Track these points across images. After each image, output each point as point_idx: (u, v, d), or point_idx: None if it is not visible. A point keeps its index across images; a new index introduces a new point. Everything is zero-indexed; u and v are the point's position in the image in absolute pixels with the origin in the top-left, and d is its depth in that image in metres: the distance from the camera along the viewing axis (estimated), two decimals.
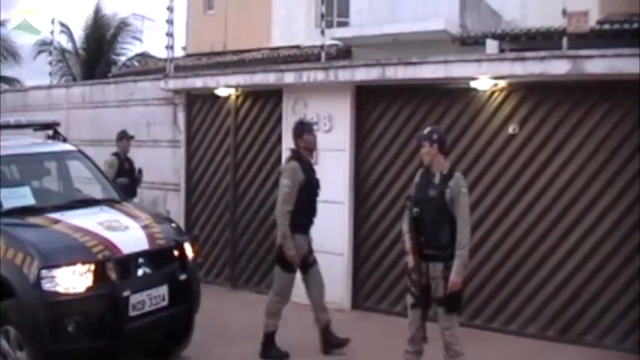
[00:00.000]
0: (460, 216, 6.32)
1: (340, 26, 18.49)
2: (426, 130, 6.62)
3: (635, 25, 12.80)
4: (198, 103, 11.84)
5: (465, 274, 6.43)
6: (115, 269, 6.49)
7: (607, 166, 8.31)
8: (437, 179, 6.42)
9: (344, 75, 9.68)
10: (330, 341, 8.01)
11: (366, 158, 9.91)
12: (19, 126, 8.85)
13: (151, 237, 7.12)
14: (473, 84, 8.92)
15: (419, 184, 6.53)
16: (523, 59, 8.41)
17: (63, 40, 26.19)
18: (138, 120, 12.38)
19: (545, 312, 8.64)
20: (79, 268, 6.32)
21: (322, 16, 11.72)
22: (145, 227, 7.26)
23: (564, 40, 9.27)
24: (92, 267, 6.39)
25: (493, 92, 8.95)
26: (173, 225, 7.91)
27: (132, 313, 6.58)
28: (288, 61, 15.54)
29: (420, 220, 6.35)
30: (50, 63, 17.36)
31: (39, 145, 8.70)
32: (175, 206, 12.02)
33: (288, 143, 10.30)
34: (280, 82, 10.35)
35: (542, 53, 8.35)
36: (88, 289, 6.35)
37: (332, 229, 9.06)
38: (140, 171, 11.07)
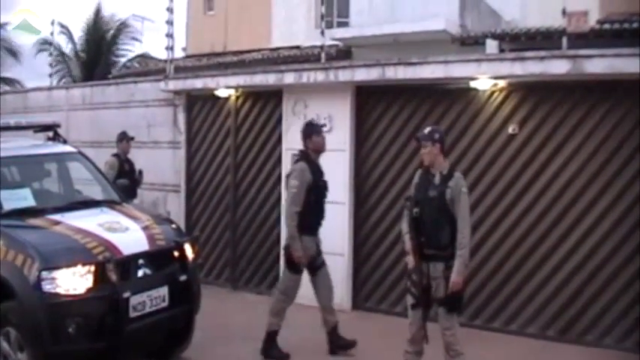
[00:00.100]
0: (460, 216, 6.32)
1: (340, 27, 18.52)
2: (427, 130, 6.60)
3: (635, 25, 12.81)
4: (199, 104, 11.84)
5: (466, 274, 6.43)
6: (115, 270, 6.49)
7: (607, 166, 8.31)
8: (437, 179, 6.42)
9: (344, 75, 9.68)
10: (337, 343, 8.02)
11: (366, 158, 9.91)
12: (19, 127, 8.84)
13: (151, 238, 7.12)
14: (473, 84, 8.93)
15: (418, 185, 6.53)
16: (523, 59, 8.41)
17: (63, 42, 26.20)
18: (138, 121, 12.38)
19: (546, 312, 8.64)
20: (80, 269, 6.32)
21: (322, 16, 11.74)
22: (145, 228, 7.26)
23: (564, 40, 9.29)
24: (92, 268, 6.39)
25: (493, 92, 8.95)
26: (173, 226, 7.91)
27: (132, 314, 6.58)
28: (288, 61, 15.56)
29: (421, 221, 6.34)
30: (50, 65, 17.34)
31: (39, 147, 8.69)
32: (176, 207, 12.02)
33: (288, 144, 10.35)
34: (280, 83, 10.35)
35: (542, 53, 8.35)
36: (89, 290, 6.34)
37: (332, 230, 9.05)
38: (140, 172, 11.07)
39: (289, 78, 10.20)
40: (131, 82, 13.59)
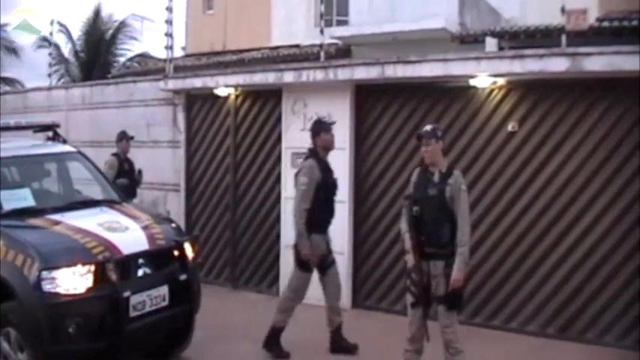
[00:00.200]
0: (460, 213, 6.32)
1: (340, 25, 18.52)
2: (430, 128, 6.59)
3: (634, 23, 12.82)
4: (198, 104, 11.84)
5: (466, 271, 6.43)
6: (115, 270, 6.48)
7: (606, 164, 8.31)
8: (436, 177, 6.42)
9: (343, 74, 9.69)
10: (339, 344, 8.01)
11: (366, 157, 9.91)
12: (18, 128, 8.84)
13: (151, 237, 7.11)
14: (472, 82, 8.93)
15: (417, 183, 6.52)
16: (522, 57, 8.42)
17: (62, 41, 26.19)
18: (138, 121, 12.38)
19: (546, 310, 8.65)
20: (80, 269, 6.32)
21: (321, 15, 11.71)
22: (145, 228, 7.26)
23: (563, 38, 9.26)
24: (92, 268, 6.38)
25: (492, 90, 8.96)
26: (173, 225, 7.90)
27: (132, 313, 6.58)
28: (287, 60, 15.55)
29: (420, 219, 6.34)
30: (50, 64, 17.33)
31: (39, 147, 8.69)
32: (175, 207, 12.02)
33: (287, 143, 10.37)
34: (280, 82, 10.35)
35: (541, 51, 8.35)
36: (89, 290, 6.34)
37: (332, 228, 9.01)
38: (140, 172, 11.08)
39: (289, 77, 10.20)
40: (130, 81, 13.59)
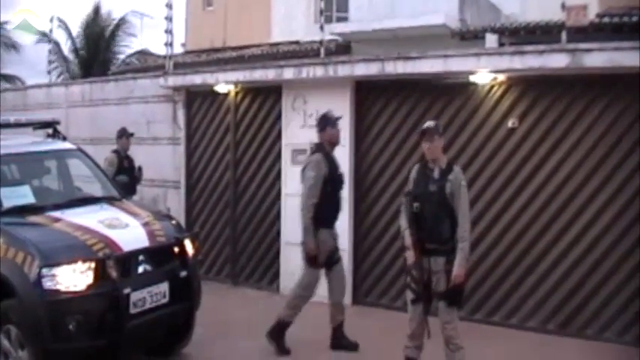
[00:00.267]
0: (461, 209, 6.32)
1: (339, 21, 18.51)
2: (433, 124, 6.60)
3: (635, 19, 12.81)
4: (198, 100, 11.84)
5: (467, 267, 6.43)
6: (115, 267, 6.48)
7: (607, 160, 8.31)
8: (436, 174, 6.41)
9: (343, 70, 9.68)
10: (340, 341, 8.02)
11: (366, 154, 9.91)
12: (18, 125, 8.84)
13: (151, 234, 7.11)
14: (472, 78, 8.93)
15: (417, 180, 6.51)
16: (522, 53, 8.41)
17: (61, 38, 26.17)
18: (138, 118, 12.38)
19: (546, 306, 8.65)
20: (80, 266, 6.31)
21: (321, 11, 11.71)
22: (145, 225, 7.25)
23: (563, 34, 9.24)
24: (93, 265, 6.38)
25: (492, 86, 8.95)
26: (173, 222, 7.89)
27: (133, 310, 6.58)
28: (287, 56, 15.53)
29: (421, 216, 6.34)
30: (50, 62, 17.33)
31: (39, 144, 8.69)
32: (176, 204, 12.03)
33: (287, 139, 10.37)
34: (280, 78, 10.35)
35: (542, 47, 8.35)
36: (89, 287, 6.33)
37: None
38: (140, 169, 11.08)
39: (289, 73, 10.20)
40: (130, 78, 13.58)
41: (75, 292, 6.27)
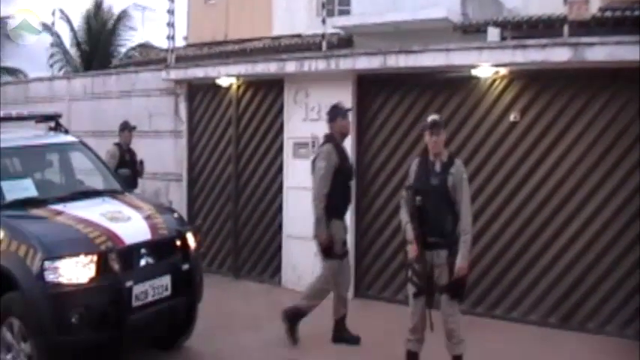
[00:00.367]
0: (463, 202, 6.34)
1: (342, 15, 18.49)
2: (437, 117, 6.62)
3: (637, 13, 12.78)
4: (200, 94, 11.84)
5: (470, 260, 6.44)
6: (117, 260, 6.48)
7: (607, 155, 8.32)
8: (438, 167, 6.42)
9: (345, 64, 9.68)
10: (342, 334, 8.03)
11: (367, 147, 9.91)
12: (20, 118, 8.84)
13: (153, 227, 7.12)
14: (474, 72, 8.92)
15: (418, 174, 6.51)
16: (524, 47, 8.40)
17: (63, 31, 26.11)
18: (140, 111, 12.38)
19: (547, 300, 8.67)
20: (82, 259, 6.32)
21: (323, 4, 11.69)
22: (147, 218, 7.26)
23: (566, 28, 9.24)
24: (95, 258, 6.38)
25: (494, 80, 8.95)
26: (175, 215, 7.90)
27: (135, 303, 6.59)
28: (289, 50, 15.52)
29: (423, 209, 6.34)
30: (51, 55, 17.33)
31: (41, 137, 8.70)
32: (178, 197, 12.04)
33: (289, 133, 10.37)
34: (282, 72, 10.35)
35: (544, 41, 8.34)
36: (91, 280, 6.34)
37: None
38: (142, 162, 11.07)
39: (291, 67, 10.19)
40: (132, 71, 13.60)
41: (77, 285, 6.27)
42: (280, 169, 10.69)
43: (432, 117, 6.64)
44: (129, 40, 27.41)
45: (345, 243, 7.98)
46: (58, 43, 22.71)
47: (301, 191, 10.10)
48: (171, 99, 12.16)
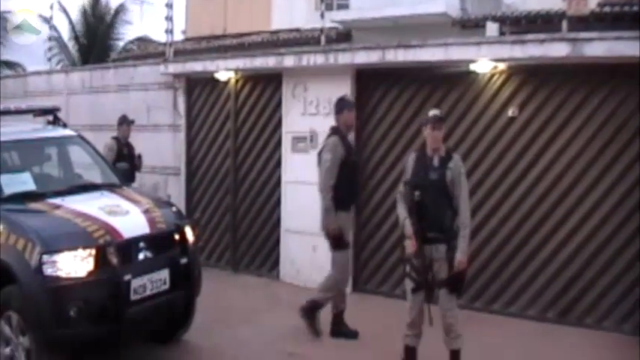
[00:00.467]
0: (462, 197, 6.36)
1: (340, 9, 18.47)
2: (438, 112, 6.64)
3: (635, 8, 12.76)
4: (199, 88, 11.84)
5: (468, 254, 6.46)
6: (116, 254, 6.49)
7: (606, 150, 8.33)
8: (436, 162, 6.44)
9: (344, 58, 9.67)
10: (340, 328, 8.05)
11: (366, 142, 9.91)
12: (19, 112, 8.83)
13: (151, 221, 7.11)
14: (473, 67, 8.92)
15: (416, 169, 6.52)
16: (523, 42, 8.40)
17: (62, 24, 26.05)
18: (138, 105, 12.38)
19: (545, 295, 8.68)
20: (81, 253, 6.31)
21: None
22: (145, 212, 7.25)
23: (564, 23, 9.26)
24: (93, 252, 6.38)
25: (493, 75, 8.95)
26: (174, 209, 7.90)
27: (133, 297, 6.58)
28: (288, 44, 15.49)
29: (422, 204, 6.34)
30: (49, 48, 17.29)
31: (39, 131, 8.67)
32: (176, 191, 12.04)
33: (288, 127, 10.37)
34: (280, 66, 10.34)
35: (542, 36, 8.34)
36: (90, 273, 6.33)
37: None
38: (140, 157, 11.06)
39: (289, 61, 10.19)
40: (131, 65, 13.58)
41: (76, 279, 6.27)
42: (278, 164, 10.70)
43: (433, 112, 6.66)
44: (126, 34, 27.38)
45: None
46: (56, 36, 22.62)
47: (299, 185, 10.13)
48: (170, 93, 12.16)
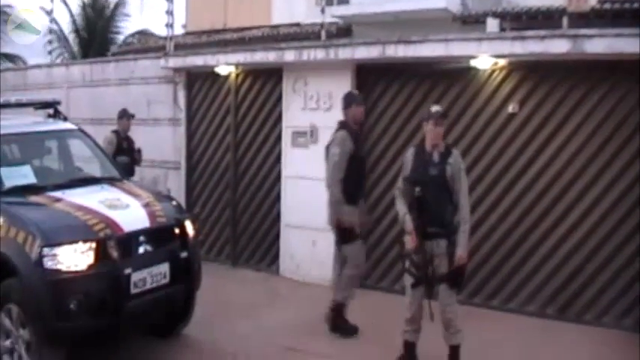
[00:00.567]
0: (462, 192, 6.39)
1: (341, 4, 18.43)
2: (440, 108, 6.65)
3: (636, 5, 12.74)
4: (199, 82, 11.84)
5: (469, 248, 6.47)
6: (116, 247, 6.50)
7: (606, 147, 8.33)
8: (436, 157, 6.45)
9: (344, 53, 9.67)
10: (340, 324, 8.06)
11: (366, 137, 9.90)
12: (19, 105, 8.83)
13: (152, 215, 7.12)
14: (473, 63, 8.92)
15: (415, 164, 6.53)
16: (523, 38, 8.40)
17: (63, 17, 26.05)
18: (138, 99, 12.38)
19: (545, 290, 8.69)
20: (81, 246, 6.32)
21: None
22: (146, 205, 7.26)
23: (565, 20, 9.25)
24: (93, 245, 6.38)
25: (493, 71, 8.95)
26: (174, 203, 7.91)
27: (133, 290, 6.59)
28: (288, 39, 15.47)
29: (423, 200, 6.35)
30: (50, 41, 17.28)
31: (40, 124, 8.67)
32: (176, 185, 12.05)
33: (288, 122, 10.38)
34: (280, 61, 10.34)
35: (543, 32, 8.35)
36: (90, 267, 6.34)
37: None
38: (139, 151, 11.05)
39: (289, 56, 10.19)
40: (131, 59, 13.57)
41: (76, 272, 6.27)
42: (278, 158, 10.71)
43: (435, 108, 6.67)
44: (125, 28, 27.36)
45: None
46: (56, 30, 22.60)
47: (299, 180, 10.16)
48: (170, 87, 12.16)
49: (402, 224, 6.54)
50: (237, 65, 11.09)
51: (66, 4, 26.21)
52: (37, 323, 6.30)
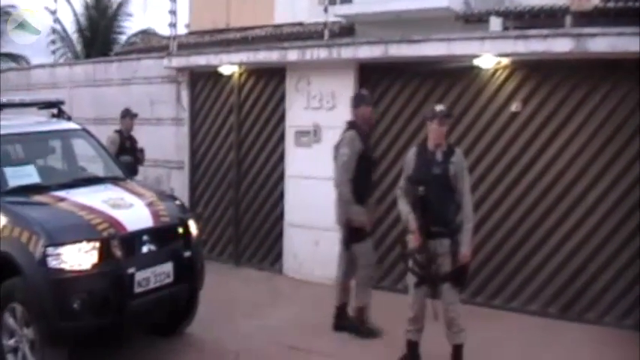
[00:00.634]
0: (465, 191, 6.40)
1: (343, 3, 18.45)
2: (444, 107, 6.66)
3: (639, 4, 12.77)
4: (202, 81, 11.85)
5: (472, 247, 6.48)
6: (120, 247, 6.53)
7: (609, 145, 8.33)
8: (439, 156, 6.45)
9: (347, 52, 9.67)
10: (343, 322, 8.05)
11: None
12: (23, 105, 8.85)
13: (155, 214, 7.14)
14: (476, 62, 8.92)
15: (418, 164, 6.54)
16: (526, 37, 8.41)
17: (67, 17, 26.08)
18: (141, 98, 12.39)
19: (547, 290, 8.69)
20: (85, 245, 6.34)
21: None
22: (149, 205, 7.28)
23: (568, 18, 9.24)
24: (97, 245, 6.40)
25: (496, 70, 8.95)
26: (177, 202, 7.92)
27: (137, 289, 6.61)
28: (291, 38, 15.51)
29: (426, 199, 6.35)
30: (53, 41, 17.30)
31: (43, 124, 8.69)
32: (179, 184, 12.06)
33: (291, 121, 10.39)
34: (283, 60, 10.35)
35: (545, 31, 8.35)
36: (94, 266, 6.36)
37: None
38: (142, 150, 11.08)
39: (292, 55, 10.19)
40: (134, 59, 13.59)
41: (80, 272, 6.29)
42: (281, 158, 10.72)
43: (440, 107, 6.67)
44: (128, 28, 27.39)
45: None
46: (59, 29, 22.65)
47: (302, 179, 10.17)
48: (173, 86, 12.17)
49: (405, 223, 6.54)
50: (240, 65, 11.10)
51: (69, 4, 26.25)
52: (40, 322, 6.31)
